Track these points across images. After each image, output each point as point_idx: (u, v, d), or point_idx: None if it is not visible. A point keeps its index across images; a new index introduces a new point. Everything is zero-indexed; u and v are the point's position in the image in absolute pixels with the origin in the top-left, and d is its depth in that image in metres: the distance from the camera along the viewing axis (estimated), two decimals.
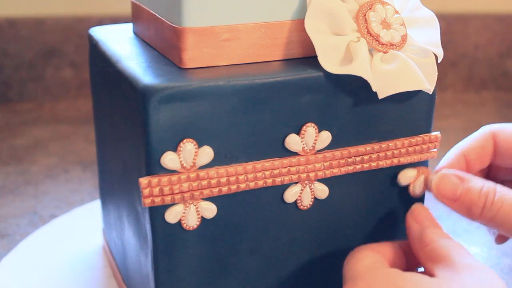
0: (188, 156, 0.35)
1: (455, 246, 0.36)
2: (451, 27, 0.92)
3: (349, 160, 0.39)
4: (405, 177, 0.41)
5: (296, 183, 0.38)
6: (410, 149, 0.40)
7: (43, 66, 0.86)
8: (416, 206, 0.40)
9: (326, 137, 0.37)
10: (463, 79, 0.95)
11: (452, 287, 0.33)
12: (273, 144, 0.37)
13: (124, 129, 0.38)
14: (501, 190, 0.38)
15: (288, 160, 0.37)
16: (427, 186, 0.41)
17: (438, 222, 0.39)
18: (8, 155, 0.72)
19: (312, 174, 0.38)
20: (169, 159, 0.34)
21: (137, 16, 0.44)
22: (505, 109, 0.90)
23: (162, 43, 0.39)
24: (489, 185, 0.38)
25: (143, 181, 0.34)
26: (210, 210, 0.36)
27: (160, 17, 0.38)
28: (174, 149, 0.34)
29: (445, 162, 0.43)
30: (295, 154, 0.37)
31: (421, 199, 0.42)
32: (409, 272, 0.35)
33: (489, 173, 0.45)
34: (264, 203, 0.38)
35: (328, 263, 0.41)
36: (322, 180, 0.39)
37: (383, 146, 0.39)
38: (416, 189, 0.41)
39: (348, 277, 0.36)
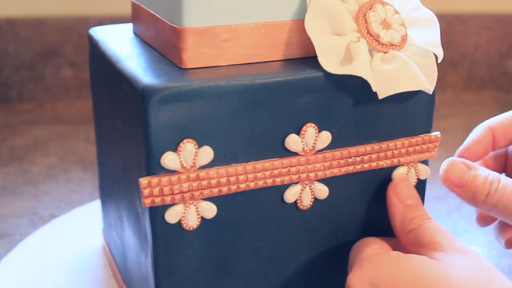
0: (188, 156, 0.35)
1: (440, 230, 0.37)
2: (451, 27, 0.92)
3: (349, 160, 0.39)
4: (398, 174, 0.41)
5: (296, 183, 0.38)
6: (410, 149, 0.40)
7: (43, 66, 0.86)
8: (398, 181, 0.40)
9: (326, 137, 0.37)
10: (463, 79, 0.95)
11: (453, 269, 0.34)
12: (273, 144, 0.37)
13: (124, 129, 0.38)
14: (505, 179, 0.40)
15: (288, 160, 0.37)
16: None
17: (420, 200, 0.40)
18: (8, 155, 0.72)
19: (312, 174, 0.38)
20: (169, 159, 0.34)
21: (137, 16, 0.44)
22: (505, 109, 0.89)
23: (162, 43, 0.39)
24: (494, 174, 0.40)
25: (143, 181, 0.34)
26: (210, 210, 0.36)
27: (160, 17, 0.38)
28: (174, 149, 0.34)
29: (473, 136, 0.44)
30: (295, 154, 0.37)
31: (421, 197, 0.42)
32: (411, 254, 0.36)
33: (505, 172, 0.47)
34: (264, 203, 0.38)
35: (328, 263, 0.41)
36: (322, 180, 0.39)
37: (383, 146, 0.39)
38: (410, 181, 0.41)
39: (354, 261, 0.38)
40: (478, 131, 0.45)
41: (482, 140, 0.44)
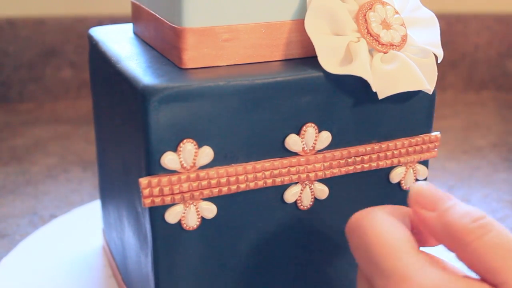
0: (188, 156, 0.35)
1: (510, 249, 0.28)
2: (451, 27, 0.92)
3: (349, 160, 0.39)
4: (396, 174, 0.41)
5: (296, 183, 0.38)
6: (410, 149, 0.40)
7: (43, 66, 0.86)
8: (417, 189, 0.31)
9: (326, 137, 0.37)
10: (463, 79, 0.95)
11: None
12: (273, 144, 0.37)
13: (124, 129, 0.38)
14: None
15: (288, 160, 0.37)
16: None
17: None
18: (8, 155, 0.72)
19: (312, 174, 0.38)
20: (169, 159, 0.34)
21: (137, 16, 0.44)
22: (505, 109, 0.90)
23: (162, 43, 0.39)
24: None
25: (143, 181, 0.34)
26: (210, 210, 0.36)
27: (160, 17, 0.38)
28: (174, 149, 0.34)
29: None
30: (295, 154, 0.37)
31: None
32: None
33: None
34: (264, 203, 0.38)
35: (328, 263, 0.41)
36: (322, 180, 0.39)
37: (383, 146, 0.39)
38: (407, 182, 0.41)
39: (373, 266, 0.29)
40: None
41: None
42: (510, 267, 0.27)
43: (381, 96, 0.36)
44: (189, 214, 0.36)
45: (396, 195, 0.41)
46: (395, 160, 0.40)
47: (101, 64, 0.42)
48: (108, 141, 0.44)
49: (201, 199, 0.36)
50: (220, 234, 0.37)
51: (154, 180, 0.34)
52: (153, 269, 0.37)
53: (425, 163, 0.41)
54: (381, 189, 0.41)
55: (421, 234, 0.32)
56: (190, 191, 0.35)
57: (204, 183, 0.35)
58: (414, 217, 0.31)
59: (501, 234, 0.28)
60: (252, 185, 0.37)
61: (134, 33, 0.45)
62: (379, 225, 0.30)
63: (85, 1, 0.86)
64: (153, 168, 0.34)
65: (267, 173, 0.37)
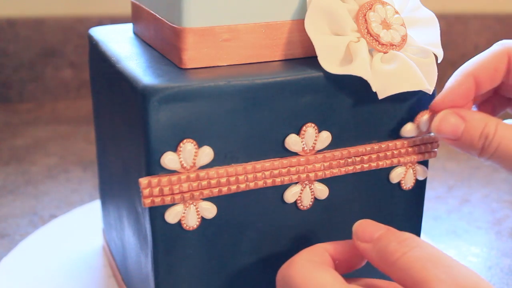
0: (188, 156, 0.35)
1: (431, 259, 0.31)
2: (451, 27, 0.92)
3: (349, 160, 0.39)
4: (396, 174, 0.41)
5: (296, 183, 0.38)
6: (410, 149, 0.40)
7: (43, 66, 0.86)
8: (357, 226, 0.35)
9: (326, 137, 0.37)
10: None
11: None
12: (273, 144, 0.37)
13: (124, 129, 0.38)
14: (501, 129, 0.37)
15: (288, 160, 0.37)
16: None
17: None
18: (8, 155, 0.72)
19: (312, 174, 0.38)
20: (169, 159, 0.34)
21: (137, 16, 0.44)
22: None
23: (162, 43, 0.39)
24: (490, 124, 0.37)
25: (143, 181, 0.34)
26: (210, 210, 0.36)
27: (160, 17, 0.38)
28: (174, 149, 0.34)
29: (451, 82, 0.39)
30: (295, 154, 0.37)
31: (420, 197, 0.42)
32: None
33: (499, 89, 0.42)
34: (264, 203, 0.38)
35: None
36: (322, 180, 0.39)
37: (383, 146, 0.39)
38: (407, 182, 0.41)
39: None
40: (458, 77, 0.39)
41: (461, 86, 0.39)
42: (433, 275, 0.30)
43: (381, 96, 0.36)
44: (189, 214, 0.36)
45: (396, 195, 0.41)
46: (395, 160, 0.40)
47: (101, 64, 0.42)
48: (108, 141, 0.44)
49: (201, 199, 0.36)
50: (220, 234, 0.37)
51: (154, 180, 0.34)
52: (153, 269, 0.37)
53: (425, 163, 0.41)
54: (381, 189, 0.41)
55: (345, 262, 0.36)
56: (190, 191, 0.35)
57: (204, 183, 0.35)
58: (354, 250, 0.35)
59: (423, 248, 0.32)
60: (252, 185, 0.37)
61: (134, 33, 0.45)
62: (305, 273, 0.33)
63: (85, 1, 0.86)
64: (153, 168, 0.34)
65: (267, 173, 0.37)
